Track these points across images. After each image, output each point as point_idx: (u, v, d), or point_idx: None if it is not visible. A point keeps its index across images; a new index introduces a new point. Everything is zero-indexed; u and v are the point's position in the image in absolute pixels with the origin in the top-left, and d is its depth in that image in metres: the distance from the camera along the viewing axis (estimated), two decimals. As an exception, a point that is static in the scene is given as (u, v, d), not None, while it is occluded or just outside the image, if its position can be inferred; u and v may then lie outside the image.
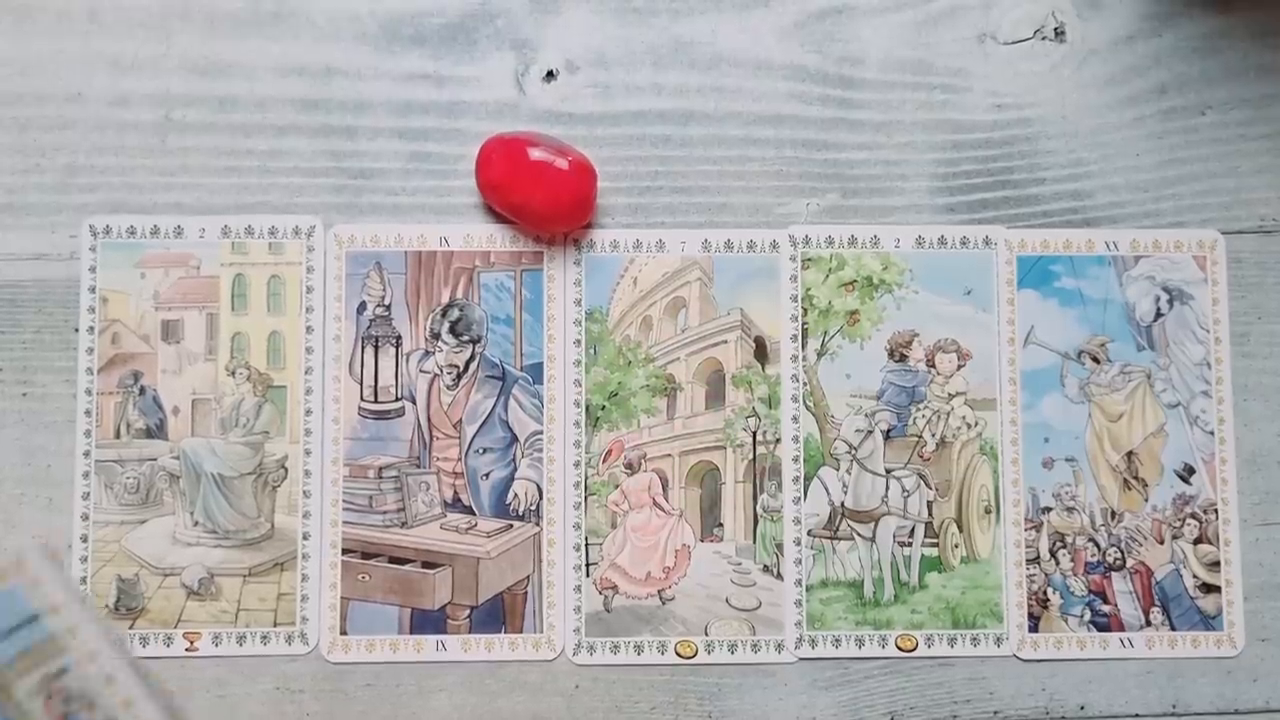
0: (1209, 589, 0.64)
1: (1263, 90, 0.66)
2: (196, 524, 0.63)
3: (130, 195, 0.64)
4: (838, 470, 0.65)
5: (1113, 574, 0.64)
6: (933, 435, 0.65)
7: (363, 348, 0.64)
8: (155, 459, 0.63)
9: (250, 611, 0.63)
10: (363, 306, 0.64)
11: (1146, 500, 0.65)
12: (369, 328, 0.64)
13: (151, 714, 0.48)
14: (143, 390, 0.63)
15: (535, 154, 0.62)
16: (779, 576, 0.64)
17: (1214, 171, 0.66)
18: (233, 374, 0.64)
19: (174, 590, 0.63)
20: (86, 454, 0.63)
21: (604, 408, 0.64)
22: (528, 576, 0.63)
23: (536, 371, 0.64)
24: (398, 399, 0.64)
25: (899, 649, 0.64)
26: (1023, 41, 0.66)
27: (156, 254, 0.64)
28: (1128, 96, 0.66)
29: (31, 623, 0.49)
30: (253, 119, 0.64)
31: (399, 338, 0.64)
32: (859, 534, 0.65)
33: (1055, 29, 0.66)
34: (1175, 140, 0.66)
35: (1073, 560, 0.64)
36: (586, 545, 0.64)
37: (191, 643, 0.62)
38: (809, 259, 0.65)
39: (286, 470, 0.63)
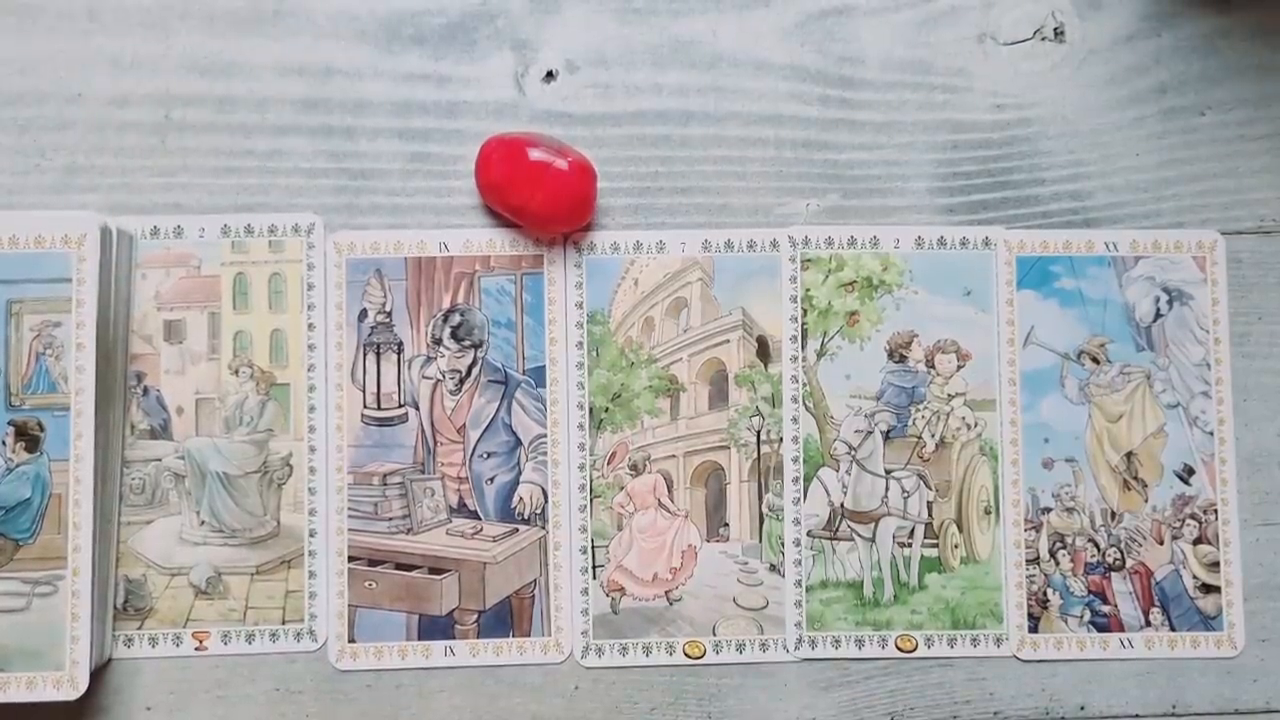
0: (1209, 589, 0.65)
1: (1263, 90, 0.66)
2: (203, 523, 0.63)
3: (130, 195, 0.63)
4: (837, 471, 0.65)
5: (1112, 574, 0.65)
6: (932, 436, 0.65)
7: (364, 355, 0.64)
8: (160, 459, 0.63)
9: (258, 609, 0.63)
10: (363, 314, 0.64)
11: (1146, 500, 0.65)
12: (370, 335, 0.64)
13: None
14: (146, 391, 0.63)
15: (535, 154, 0.62)
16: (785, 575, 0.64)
17: (1214, 172, 0.66)
18: (236, 373, 0.64)
19: (182, 590, 0.63)
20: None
21: (607, 410, 0.64)
22: (535, 580, 0.63)
23: (539, 375, 0.64)
24: (400, 405, 0.64)
25: (899, 649, 0.64)
26: (1023, 41, 0.66)
27: (157, 254, 0.64)
28: (1128, 96, 0.66)
29: (62, 283, 0.60)
30: (253, 119, 0.64)
31: (400, 344, 0.64)
32: (859, 534, 0.65)
33: (1055, 29, 0.66)
34: (1175, 140, 0.66)
35: (1072, 561, 0.65)
36: (593, 547, 0.64)
37: (200, 642, 0.62)
38: (809, 259, 0.65)
39: (291, 468, 0.63)
